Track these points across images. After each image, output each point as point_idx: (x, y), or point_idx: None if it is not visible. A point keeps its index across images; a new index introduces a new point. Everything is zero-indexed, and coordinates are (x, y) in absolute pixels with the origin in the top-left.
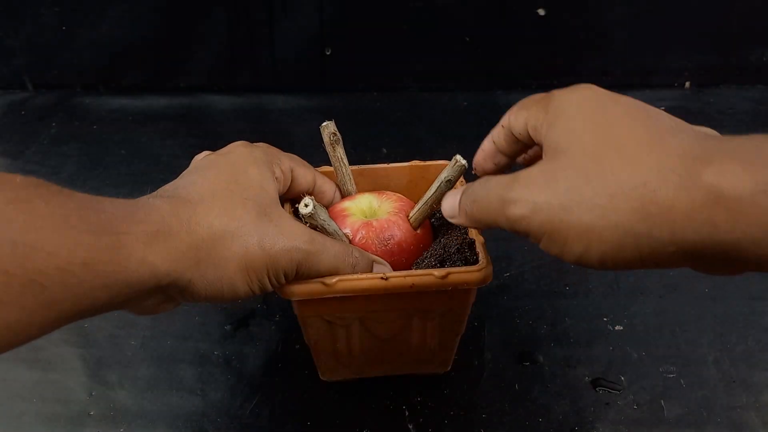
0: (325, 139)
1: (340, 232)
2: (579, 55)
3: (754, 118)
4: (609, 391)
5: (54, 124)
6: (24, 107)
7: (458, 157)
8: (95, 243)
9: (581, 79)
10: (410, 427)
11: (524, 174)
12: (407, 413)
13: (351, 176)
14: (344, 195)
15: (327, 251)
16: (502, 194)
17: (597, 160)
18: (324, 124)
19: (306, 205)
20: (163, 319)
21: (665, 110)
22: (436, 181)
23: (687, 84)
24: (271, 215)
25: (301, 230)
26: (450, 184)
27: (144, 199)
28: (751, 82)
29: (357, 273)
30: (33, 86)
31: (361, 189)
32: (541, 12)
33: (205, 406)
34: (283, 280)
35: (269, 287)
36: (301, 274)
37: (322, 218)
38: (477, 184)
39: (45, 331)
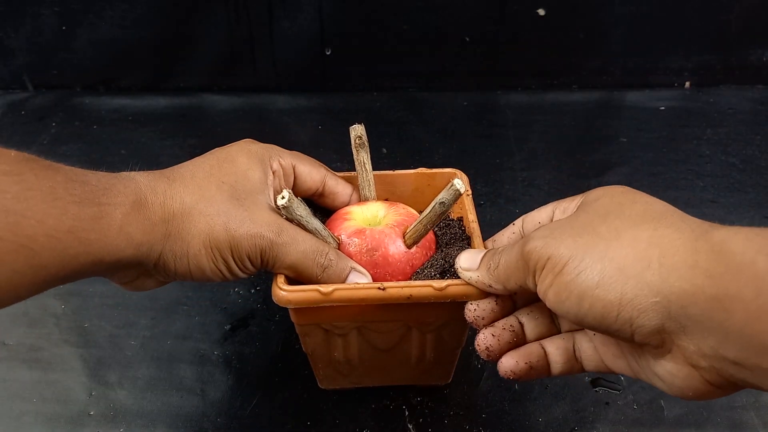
0: (352, 141)
1: (324, 232)
2: (579, 55)
3: (754, 118)
4: (609, 391)
5: (54, 124)
6: (24, 107)
7: (455, 181)
8: (79, 212)
9: (581, 79)
10: (410, 427)
11: (552, 222)
12: (407, 413)
13: (372, 182)
14: (362, 200)
15: (296, 245)
16: (526, 237)
17: (620, 209)
18: (353, 126)
19: (282, 197)
20: (163, 319)
21: (665, 110)
22: (431, 203)
23: (687, 84)
24: (245, 201)
25: (272, 220)
26: (443, 207)
27: (126, 173)
28: (751, 82)
29: (327, 275)
30: (33, 86)
31: None
32: (541, 12)
33: (205, 406)
34: (248, 265)
35: (237, 270)
36: (266, 262)
37: (298, 213)
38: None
39: (32, 292)
